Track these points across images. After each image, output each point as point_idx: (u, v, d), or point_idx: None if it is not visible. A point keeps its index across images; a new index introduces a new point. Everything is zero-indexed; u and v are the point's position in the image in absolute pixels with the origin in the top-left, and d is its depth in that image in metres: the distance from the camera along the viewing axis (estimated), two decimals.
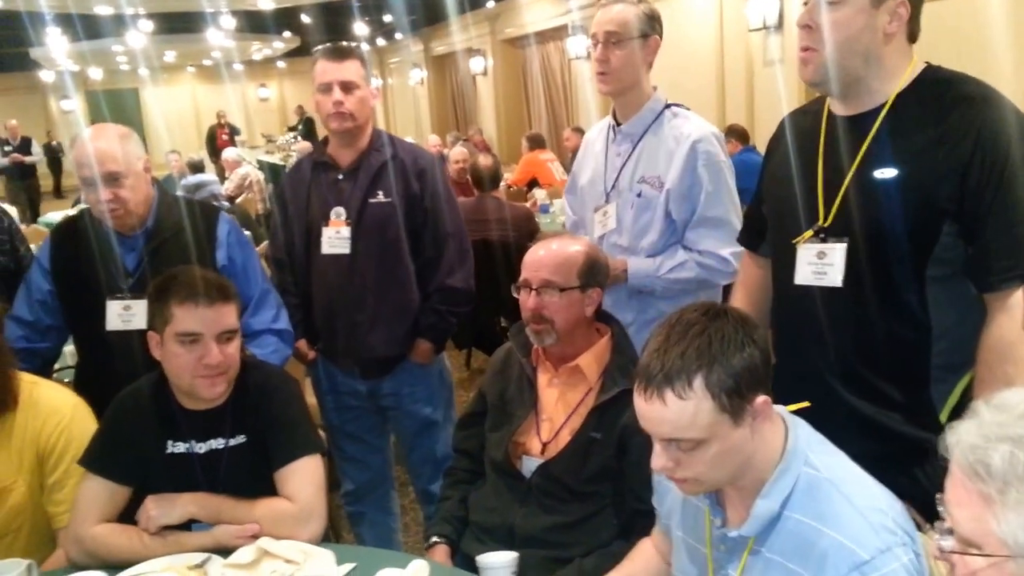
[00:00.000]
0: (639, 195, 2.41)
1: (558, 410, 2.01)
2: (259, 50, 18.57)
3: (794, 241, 1.73)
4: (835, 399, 1.69)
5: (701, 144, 2.35)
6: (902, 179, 1.59)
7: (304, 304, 2.70)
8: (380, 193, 2.60)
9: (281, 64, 20.97)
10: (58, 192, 16.53)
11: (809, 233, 1.71)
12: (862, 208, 1.63)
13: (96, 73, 18.58)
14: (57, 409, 2.01)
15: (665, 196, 2.36)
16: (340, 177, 2.63)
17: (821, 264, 1.69)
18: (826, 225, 1.69)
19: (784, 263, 1.78)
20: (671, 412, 1.27)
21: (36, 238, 2.72)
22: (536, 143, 8.66)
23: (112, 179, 2.25)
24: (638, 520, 1.81)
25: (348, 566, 1.73)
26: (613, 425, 1.90)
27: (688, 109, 2.49)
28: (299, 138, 13.70)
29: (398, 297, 2.64)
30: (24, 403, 1.99)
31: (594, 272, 2.02)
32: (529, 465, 2.00)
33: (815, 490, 1.31)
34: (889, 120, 1.62)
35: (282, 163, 11.08)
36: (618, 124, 2.49)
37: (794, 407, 1.44)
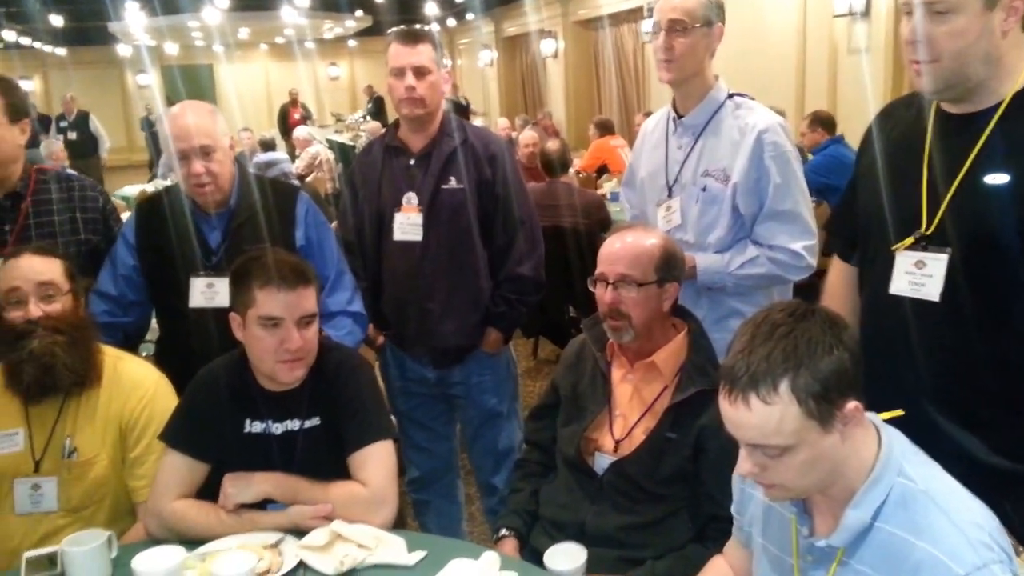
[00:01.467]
0: (704, 189, 2.34)
1: (632, 407, 1.98)
2: (331, 29, 18.72)
3: (893, 248, 1.66)
4: (922, 418, 1.61)
5: (767, 135, 2.27)
6: (1015, 185, 1.50)
7: (373, 289, 2.69)
8: (452, 179, 2.58)
9: (352, 43, 21.12)
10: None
11: (910, 240, 1.63)
12: (969, 217, 1.55)
13: (172, 48, 18.96)
14: (140, 384, 2.05)
15: (732, 190, 2.29)
16: (412, 162, 2.61)
17: (919, 275, 1.61)
18: (928, 233, 1.61)
19: (877, 271, 1.71)
20: (756, 417, 1.23)
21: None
22: (605, 129, 8.54)
23: (206, 153, 2.29)
24: (714, 525, 1.78)
25: (419, 554, 1.73)
26: (690, 426, 1.86)
27: (753, 99, 2.40)
28: (368, 118, 13.80)
29: (470, 286, 2.62)
30: (108, 378, 2.04)
31: (671, 266, 1.98)
32: (601, 462, 1.98)
33: (910, 502, 1.26)
34: (1004, 121, 1.54)
35: (351, 142, 11.17)
36: (679, 115, 2.42)
37: (888, 415, 1.39)
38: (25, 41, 16.07)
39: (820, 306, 1.33)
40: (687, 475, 1.88)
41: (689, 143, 2.38)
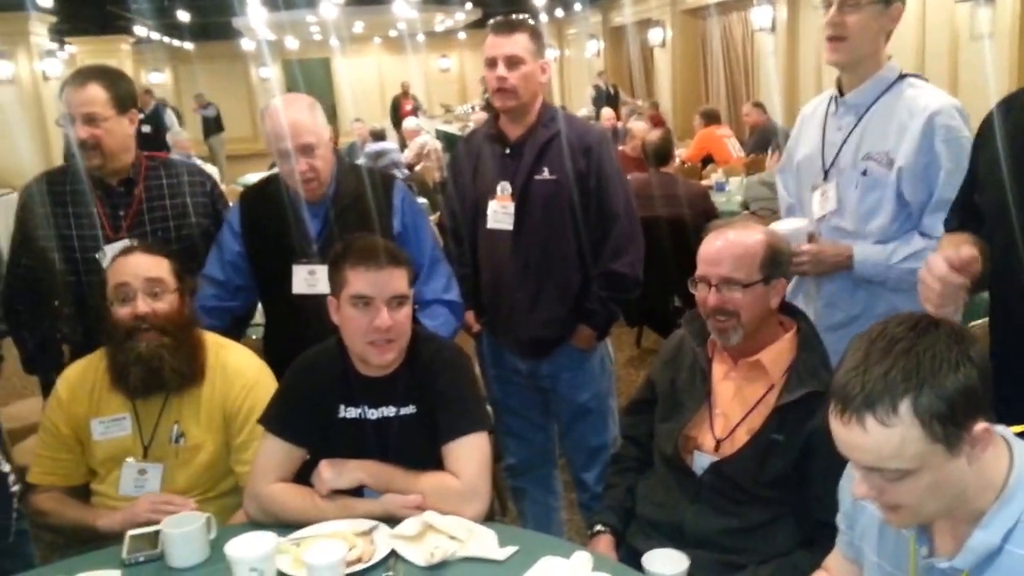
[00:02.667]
0: (864, 173, 2.15)
1: (734, 406, 1.88)
2: (441, 21, 18.95)
3: None
4: None
5: (940, 117, 2.06)
6: None
7: (473, 275, 2.69)
8: (546, 170, 2.54)
9: (462, 35, 21.33)
10: None
11: None
12: None
13: (291, 43, 19.59)
14: (242, 373, 2.10)
15: (896, 175, 2.09)
16: (507, 151, 2.59)
17: None
18: None
19: (1011, 265, 1.57)
20: (872, 440, 1.13)
21: (233, 197, 2.90)
22: (711, 118, 8.32)
23: (307, 150, 2.31)
24: (823, 532, 1.66)
25: (510, 549, 1.70)
26: (798, 428, 1.76)
27: (926, 80, 2.20)
28: (476, 108, 13.90)
29: (560, 278, 2.57)
30: (212, 366, 2.09)
31: (777, 262, 1.87)
32: (701, 461, 1.90)
33: None
34: None
35: (459, 133, 11.28)
36: (841, 94, 2.24)
37: (1019, 428, 1.26)
38: (156, 36, 16.89)
39: (944, 319, 1.21)
40: (792, 479, 1.78)
41: (850, 124, 2.20)
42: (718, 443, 1.87)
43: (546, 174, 2.54)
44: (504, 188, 2.57)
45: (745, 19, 11.90)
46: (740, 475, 1.82)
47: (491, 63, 2.53)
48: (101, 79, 2.39)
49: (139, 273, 2.02)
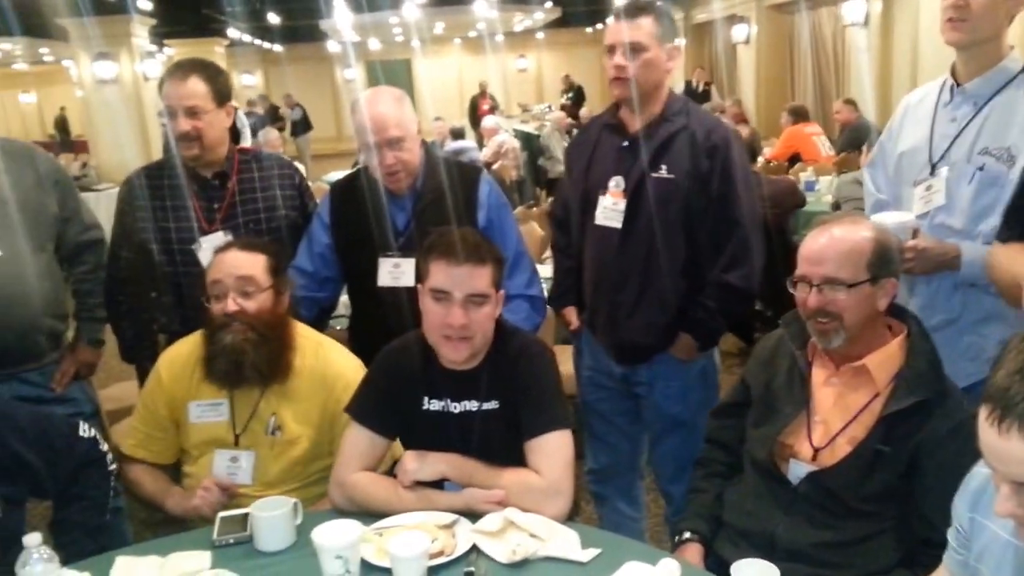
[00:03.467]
0: (981, 168, 2.02)
1: (835, 413, 1.79)
2: (520, 21, 18.99)
3: None
4: None
5: None
6: None
7: (577, 269, 2.57)
8: (664, 168, 2.35)
9: (540, 35, 21.35)
10: None
11: None
12: None
13: (374, 44, 19.93)
14: (342, 375, 2.10)
15: (1021, 175, 1.92)
16: (625, 144, 2.41)
17: None
18: None
19: None
20: None
21: (318, 194, 2.96)
22: (799, 115, 8.09)
23: (393, 143, 2.32)
24: (926, 551, 1.58)
25: (593, 551, 1.66)
26: (906, 439, 1.67)
27: None
28: (553, 108, 13.88)
29: (664, 284, 2.40)
30: (310, 364, 2.10)
31: (887, 260, 1.75)
32: (797, 471, 1.81)
33: None
34: None
35: (536, 132, 11.27)
36: (957, 83, 2.11)
37: None
38: (248, 39, 17.39)
39: None
40: (897, 493, 1.68)
41: (967, 115, 2.07)
42: (816, 452, 1.78)
43: (664, 172, 2.35)
44: (617, 183, 2.40)
45: (835, 14, 11.55)
46: (840, 487, 1.73)
47: (610, 50, 2.35)
48: (201, 72, 2.44)
49: (232, 272, 2.04)
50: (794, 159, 7.68)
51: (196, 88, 2.41)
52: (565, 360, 2.72)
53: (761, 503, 1.85)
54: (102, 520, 1.92)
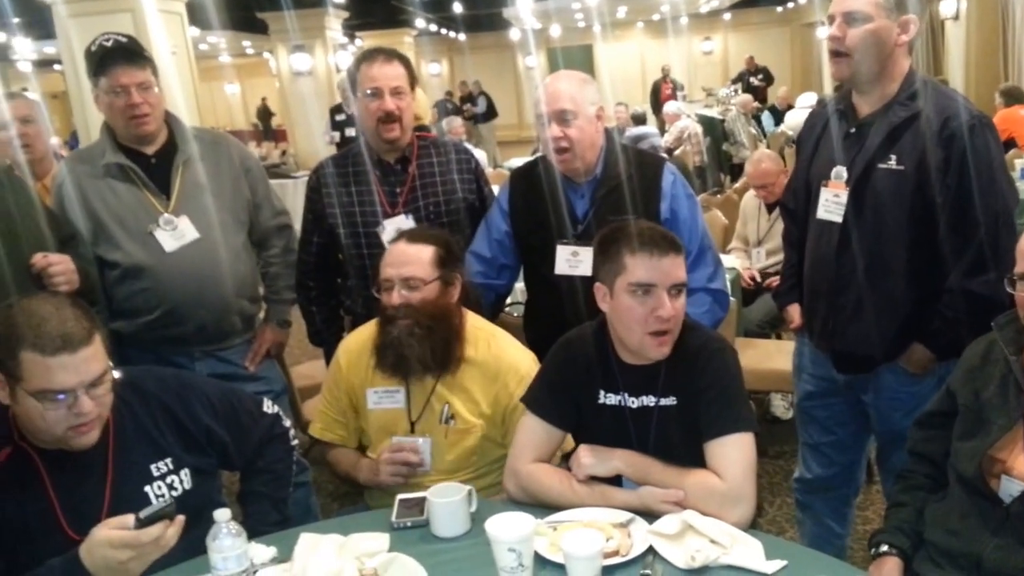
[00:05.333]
0: None
1: None
2: (707, 2, 18.43)
3: None
4: None
5: None
6: None
7: (801, 263, 2.38)
8: (893, 158, 2.09)
9: (727, 16, 20.63)
10: None
11: None
12: None
13: (556, 30, 20.01)
14: (516, 368, 2.10)
15: None
16: (851, 131, 2.18)
17: None
18: None
19: None
20: None
21: (497, 181, 3.00)
22: (1013, 98, 7.37)
23: (562, 117, 2.29)
24: None
25: (778, 563, 1.56)
26: None
27: None
28: (738, 91, 13.38)
29: (891, 289, 2.15)
30: (483, 356, 2.11)
31: None
32: (1010, 488, 1.63)
33: None
34: None
35: (720, 117, 10.90)
36: None
37: None
38: (433, 29, 17.95)
39: None
40: None
41: None
42: None
43: (892, 163, 2.09)
44: (839, 174, 2.19)
45: None
46: None
47: (829, 20, 2.11)
48: (400, 57, 2.54)
49: (397, 266, 2.08)
50: (1008, 144, 6.99)
51: (400, 71, 2.51)
52: (745, 355, 2.57)
53: (967, 522, 1.68)
54: (286, 492, 2.01)
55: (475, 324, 2.17)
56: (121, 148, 2.48)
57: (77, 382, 1.57)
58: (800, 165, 2.37)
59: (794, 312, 2.43)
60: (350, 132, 8.61)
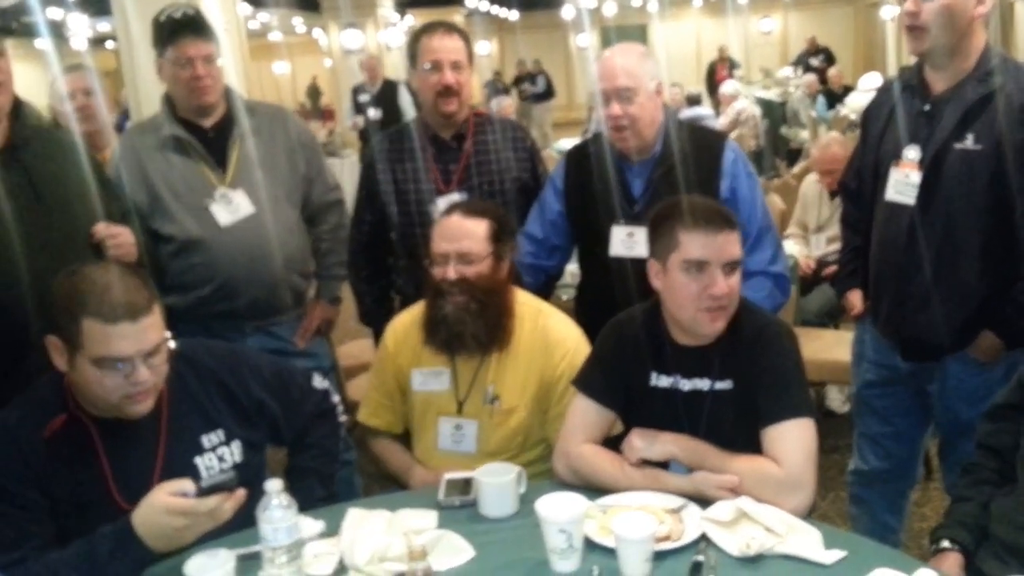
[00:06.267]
0: None
1: None
2: None
3: None
4: None
5: None
6: None
7: (866, 248, 2.29)
8: (970, 137, 1.99)
9: None
10: None
11: None
12: None
13: (609, 9, 19.74)
14: (562, 343, 2.07)
15: None
16: (925, 108, 2.08)
17: None
18: None
19: None
20: None
21: (548, 164, 2.96)
22: None
23: (621, 94, 2.23)
24: None
25: (837, 553, 1.51)
26: None
27: None
28: (799, 72, 13.06)
29: (963, 275, 2.07)
30: (529, 332, 2.08)
31: None
32: None
33: None
34: None
35: (779, 99, 10.65)
36: None
37: None
38: (484, 7, 17.84)
39: None
40: None
41: None
42: None
43: (969, 143, 2.00)
44: (911, 154, 2.09)
45: None
46: None
47: None
48: (459, 31, 2.52)
49: (453, 239, 2.03)
50: None
51: (459, 43, 2.48)
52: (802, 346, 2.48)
53: None
54: (333, 468, 2.01)
55: (521, 300, 2.14)
56: (180, 121, 2.49)
57: (136, 351, 1.58)
58: (867, 144, 2.28)
59: (855, 298, 2.35)
60: (373, 114, 8.24)
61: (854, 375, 2.45)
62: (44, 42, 11.28)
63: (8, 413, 1.67)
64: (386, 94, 7.66)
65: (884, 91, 2.30)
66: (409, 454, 2.19)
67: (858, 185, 2.32)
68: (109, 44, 12.81)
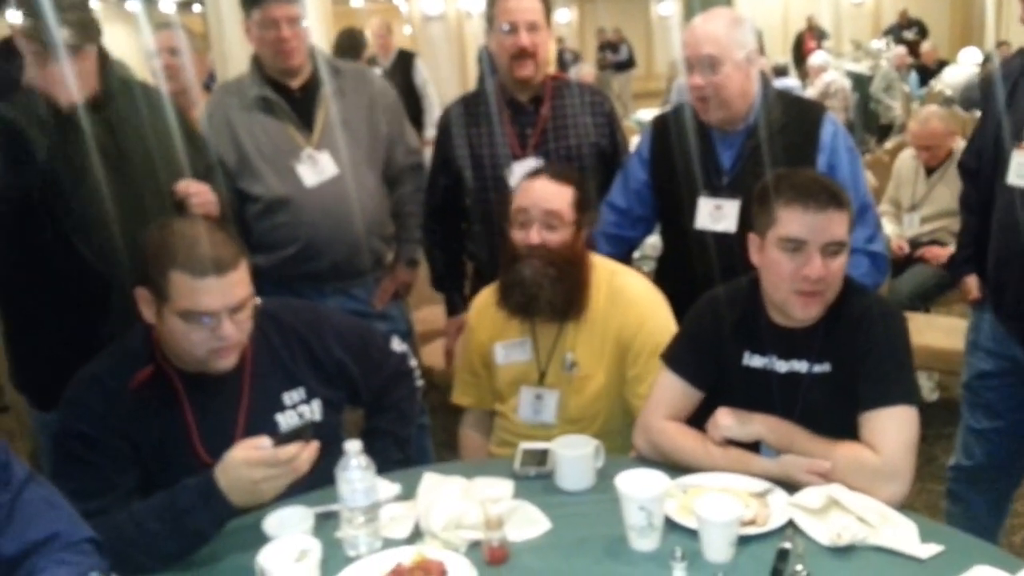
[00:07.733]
0: None
1: None
2: None
3: None
4: None
5: None
6: None
7: (982, 231, 2.20)
8: None
9: None
10: None
11: None
12: None
13: None
14: (636, 302, 2.03)
15: None
16: None
17: None
18: None
19: None
20: None
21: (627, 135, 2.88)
22: None
23: (705, 63, 2.14)
24: None
25: (934, 548, 1.43)
26: None
27: None
28: (891, 44, 12.51)
29: None
30: (605, 295, 2.04)
31: None
32: None
33: None
34: None
35: (868, 72, 10.22)
36: None
37: None
38: None
39: None
40: None
41: None
42: None
43: None
44: None
45: None
46: None
47: None
48: None
49: (539, 203, 1.98)
50: None
51: (536, 3, 2.42)
52: None
53: None
54: (409, 432, 2.00)
55: (597, 265, 2.09)
56: (268, 81, 2.50)
57: (222, 305, 1.59)
58: (988, 122, 2.15)
59: (972, 284, 2.24)
60: None
61: (967, 364, 2.33)
62: (134, 3, 11.54)
63: (97, 363, 1.70)
64: (399, 67, 6.62)
65: (1009, 65, 2.16)
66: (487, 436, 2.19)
67: (978, 165, 2.19)
68: (196, 8, 13.03)
